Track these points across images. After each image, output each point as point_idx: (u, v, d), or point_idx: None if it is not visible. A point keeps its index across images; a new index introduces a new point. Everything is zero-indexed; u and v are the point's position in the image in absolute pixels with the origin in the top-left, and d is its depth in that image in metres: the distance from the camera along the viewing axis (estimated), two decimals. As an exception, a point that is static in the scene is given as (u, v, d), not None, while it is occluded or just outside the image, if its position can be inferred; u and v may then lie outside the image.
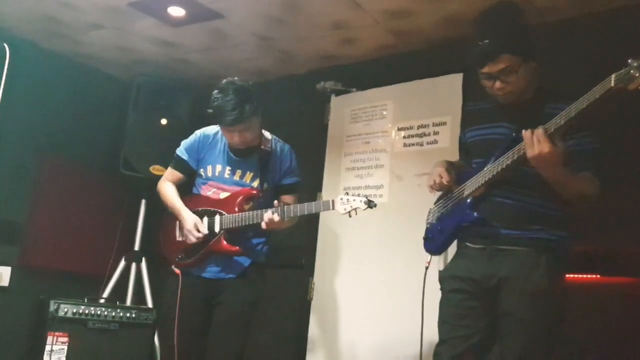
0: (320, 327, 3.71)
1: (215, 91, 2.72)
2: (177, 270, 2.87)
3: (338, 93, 4.02)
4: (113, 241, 4.34)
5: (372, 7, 3.27)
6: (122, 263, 4.19)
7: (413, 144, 3.63)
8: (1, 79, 2.20)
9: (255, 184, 2.87)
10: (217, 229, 2.81)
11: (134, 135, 4.18)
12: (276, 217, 2.67)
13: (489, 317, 2.09)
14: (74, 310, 3.56)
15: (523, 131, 1.94)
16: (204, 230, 2.80)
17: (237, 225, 2.78)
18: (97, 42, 4.06)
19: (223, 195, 2.87)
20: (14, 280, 3.92)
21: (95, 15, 3.64)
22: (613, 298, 2.79)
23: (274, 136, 2.97)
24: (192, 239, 2.80)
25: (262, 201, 2.82)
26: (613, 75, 1.71)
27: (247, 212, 2.77)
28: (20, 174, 4.01)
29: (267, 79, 4.40)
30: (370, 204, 2.63)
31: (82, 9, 3.57)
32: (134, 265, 4.21)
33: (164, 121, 4.28)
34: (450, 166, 2.32)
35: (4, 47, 2.22)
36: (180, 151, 2.97)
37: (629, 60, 1.68)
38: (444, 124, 3.51)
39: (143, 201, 4.35)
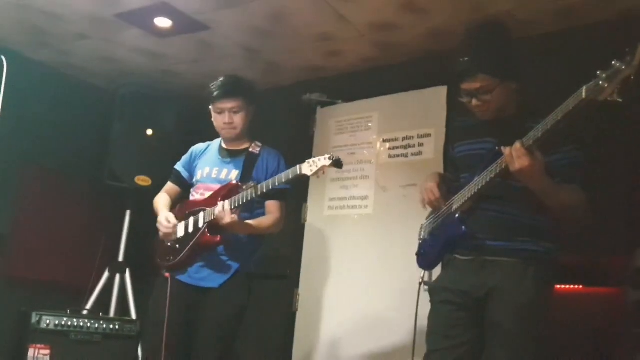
0: (305, 339, 3.69)
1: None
2: (166, 274, 2.85)
3: (324, 105, 4.05)
4: (97, 252, 4.30)
5: (357, 19, 3.31)
6: (106, 274, 4.15)
7: (398, 155, 3.66)
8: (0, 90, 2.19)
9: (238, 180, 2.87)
10: (200, 224, 2.79)
11: (119, 146, 4.17)
12: (226, 205, 2.65)
13: (478, 328, 2.10)
14: (56, 322, 3.52)
15: (502, 148, 1.97)
16: (173, 220, 2.84)
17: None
18: (83, 53, 4.06)
19: (208, 194, 2.88)
20: (-4, 292, 3.88)
21: (81, 25, 3.64)
22: (596, 308, 2.81)
23: (265, 146, 3.02)
24: (163, 229, 2.83)
25: (247, 202, 2.77)
26: (584, 87, 1.73)
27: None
28: (4, 184, 3.98)
29: (253, 90, 4.42)
30: (334, 160, 2.50)
31: (68, 19, 3.57)
32: (117, 277, 4.17)
33: (149, 132, 4.27)
34: (441, 180, 2.34)
35: (1, 59, 2.22)
36: (178, 165, 3.11)
37: (598, 72, 1.70)
38: (428, 135, 3.55)
39: (128, 212, 4.32)
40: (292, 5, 3.19)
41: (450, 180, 2.39)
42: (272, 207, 2.87)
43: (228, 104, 2.85)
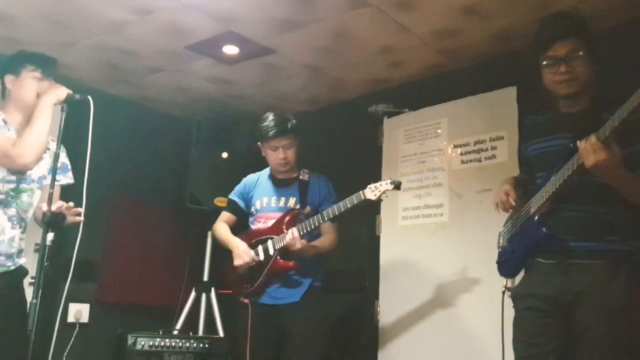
0: (389, 351, 3.68)
1: (259, 122, 3.17)
2: (245, 300, 3.02)
3: (390, 115, 4.05)
4: (183, 273, 4.49)
5: (419, 29, 3.31)
6: (193, 294, 4.31)
7: (471, 160, 3.61)
8: (88, 130, 2.43)
9: (298, 207, 3.08)
10: (271, 252, 3.00)
11: (197, 170, 4.35)
12: (295, 233, 2.86)
13: (565, 334, 2.04)
14: (150, 343, 3.68)
15: (578, 142, 1.92)
16: (252, 254, 3.01)
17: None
18: (158, 85, 4.26)
19: (271, 222, 3.08)
20: (93, 317, 4.10)
21: (154, 60, 3.84)
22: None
23: (310, 171, 3.24)
24: (243, 260, 3.00)
25: (314, 228, 2.97)
26: None
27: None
28: (94, 215, 4.21)
29: (319, 106, 4.50)
30: (395, 183, 2.78)
31: (142, 55, 3.77)
32: (204, 296, 4.32)
33: (224, 155, 4.45)
34: (516, 183, 2.30)
35: (88, 99, 2.44)
36: (232, 195, 3.33)
37: None
38: (501, 138, 3.49)
39: (209, 232, 4.47)
40: (353, 21, 3.24)
41: (525, 182, 2.33)
42: (328, 228, 3.07)
43: (282, 142, 3.09)
